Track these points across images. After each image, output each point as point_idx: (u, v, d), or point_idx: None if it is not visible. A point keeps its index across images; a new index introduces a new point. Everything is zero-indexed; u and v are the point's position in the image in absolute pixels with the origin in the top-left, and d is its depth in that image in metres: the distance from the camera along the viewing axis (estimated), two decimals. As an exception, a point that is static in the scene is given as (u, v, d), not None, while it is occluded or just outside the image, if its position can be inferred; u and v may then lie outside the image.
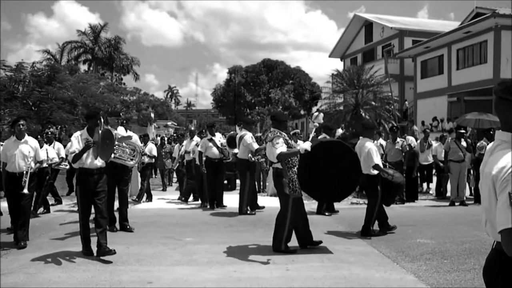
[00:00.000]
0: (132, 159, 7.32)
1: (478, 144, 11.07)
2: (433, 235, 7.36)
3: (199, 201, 11.11)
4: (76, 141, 6.02)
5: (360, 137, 7.84)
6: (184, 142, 12.00)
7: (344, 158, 6.28)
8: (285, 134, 6.36)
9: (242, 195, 9.66)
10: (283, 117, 6.75)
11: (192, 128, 12.18)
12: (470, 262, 5.82)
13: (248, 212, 9.61)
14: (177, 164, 12.77)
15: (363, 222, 7.44)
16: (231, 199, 10.73)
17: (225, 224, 8.46)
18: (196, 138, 11.48)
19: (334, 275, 5.25)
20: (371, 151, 7.24)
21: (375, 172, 7.29)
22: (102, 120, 6.19)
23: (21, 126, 6.82)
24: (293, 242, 6.44)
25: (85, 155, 5.90)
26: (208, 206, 10.45)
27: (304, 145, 5.99)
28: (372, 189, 7.42)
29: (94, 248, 5.98)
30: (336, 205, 9.80)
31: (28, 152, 6.80)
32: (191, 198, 11.75)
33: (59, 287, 4.85)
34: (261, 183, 13.68)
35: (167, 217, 9.28)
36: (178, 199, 11.89)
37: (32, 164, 6.83)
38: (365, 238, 7.21)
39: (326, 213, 9.48)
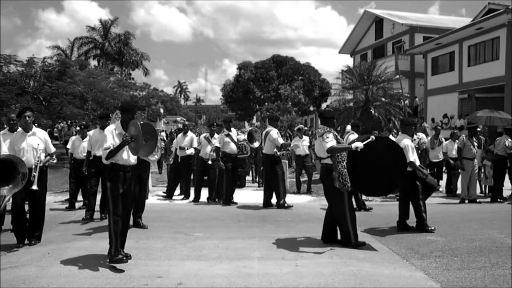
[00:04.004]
0: (153, 155, 7.26)
1: (507, 143, 10.98)
2: (443, 233, 7.32)
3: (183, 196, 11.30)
4: (111, 136, 5.46)
5: (399, 133, 7.96)
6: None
7: (390, 156, 6.49)
8: (334, 130, 6.49)
9: (277, 189, 9.77)
10: (330, 114, 6.87)
11: (186, 122, 11.93)
12: (480, 260, 5.78)
13: (286, 205, 9.71)
14: (171, 159, 12.62)
15: (416, 221, 7.49)
16: (240, 196, 10.74)
17: (234, 220, 8.48)
18: (190, 134, 11.34)
19: (344, 272, 5.24)
20: (408, 148, 7.30)
21: (410, 169, 7.30)
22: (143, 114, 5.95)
23: (27, 118, 6.39)
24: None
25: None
26: (222, 202, 10.36)
27: (358, 144, 6.17)
28: (411, 186, 7.41)
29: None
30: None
31: (37, 144, 6.44)
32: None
33: (70, 281, 4.89)
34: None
35: (177, 212, 9.32)
36: (181, 195, 11.69)
37: (42, 157, 6.48)
38: (426, 232, 7.30)
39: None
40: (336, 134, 6.52)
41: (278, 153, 9.81)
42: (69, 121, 24.31)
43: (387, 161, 6.43)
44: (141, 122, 5.74)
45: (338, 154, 6.29)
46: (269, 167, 9.90)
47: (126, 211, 5.65)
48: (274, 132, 9.72)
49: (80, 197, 9.89)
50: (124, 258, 5.41)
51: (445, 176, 12.85)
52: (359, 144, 6.18)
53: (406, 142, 7.40)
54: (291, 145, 11.19)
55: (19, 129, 6.55)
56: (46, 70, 20.70)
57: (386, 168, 6.39)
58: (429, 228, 7.40)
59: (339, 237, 6.60)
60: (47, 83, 19.73)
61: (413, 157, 7.33)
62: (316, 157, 13.30)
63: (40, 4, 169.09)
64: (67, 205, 9.73)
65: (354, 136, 9.39)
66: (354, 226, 6.39)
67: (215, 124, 11.59)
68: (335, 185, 6.29)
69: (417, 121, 25.36)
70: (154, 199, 11.18)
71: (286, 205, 9.72)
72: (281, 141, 9.70)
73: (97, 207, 8.56)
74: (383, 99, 19.75)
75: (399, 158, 6.57)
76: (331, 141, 6.27)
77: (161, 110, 44.04)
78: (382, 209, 9.78)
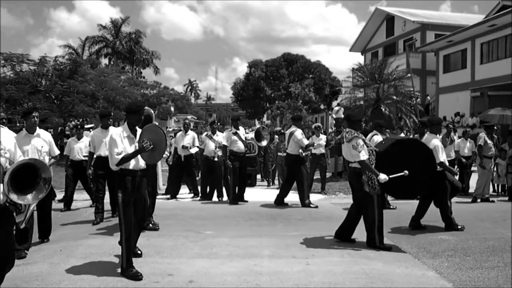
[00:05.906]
0: None
1: None
2: (455, 232, 7.26)
3: (192, 194, 11.34)
4: (120, 140, 5.05)
5: (427, 133, 7.87)
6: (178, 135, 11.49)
7: (419, 157, 6.51)
8: (361, 134, 6.45)
9: (302, 190, 9.79)
10: (357, 116, 6.85)
11: (187, 121, 11.85)
12: (493, 259, 5.72)
13: (312, 205, 9.72)
14: (170, 160, 12.15)
15: (444, 222, 7.45)
16: (251, 194, 10.73)
17: (245, 218, 8.48)
18: (191, 132, 11.22)
19: (355, 270, 5.22)
20: (437, 148, 7.23)
21: (440, 169, 7.26)
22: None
23: (35, 119, 6.18)
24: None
25: None
26: (229, 202, 10.30)
27: (383, 177, 6.12)
28: (440, 186, 7.35)
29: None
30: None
31: (41, 146, 6.21)
32: (187, 190, 11.73)
33: (81, 278, 4.92)
34: (278, 178, 13.63)
35: (187, 210, 9.34)
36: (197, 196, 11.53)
37: (46, 160, 6.19)
38: (455, 230, 7.29)
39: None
40: (364, 138, 6.47)
41: (304, 153, 9.83)
42: (81, 120, 24.51)
43: (416, 163, 6.39)
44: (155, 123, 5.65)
45: (367, 158, 6.25)
46: (294, 168, 9.88)
47: (138, 217, 5.33)
48: (298, 133, 9.77)
49: (78, 196, 9.85)
50: (139, 275, 4.91)
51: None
52: (384, 178, 6.12)
53: (435, 142, 7.32)
54: (314, 144, 11.16)
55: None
56: (58, 69, 20.87)
57: (416, 170, 6.33)
58: (459, 227, 7.37)
59: (352, 236, 6.58)
60: (59, 82, 19.89)
61: (443, 157, 7.26)
62: (331, 155, 13.33)
63: (52, 4, 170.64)
64: (62, 208, 9.39)
65: (379, 137, 9.32)
66: (380, 232, 6.28)
67: (216, 121, 11.57)
68: (364, 189, 6.25)
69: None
70: (163, 198, 11.18)
71: (311, 205, 9.73)
72: (305, 141, 9.79)
73: (107, 205, 8.57)
74: (394, 97, 19.60)
75: (429, 160, 6.54)
76: (364, 151, 6.20)
77: (172, 109, 44.18)
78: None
